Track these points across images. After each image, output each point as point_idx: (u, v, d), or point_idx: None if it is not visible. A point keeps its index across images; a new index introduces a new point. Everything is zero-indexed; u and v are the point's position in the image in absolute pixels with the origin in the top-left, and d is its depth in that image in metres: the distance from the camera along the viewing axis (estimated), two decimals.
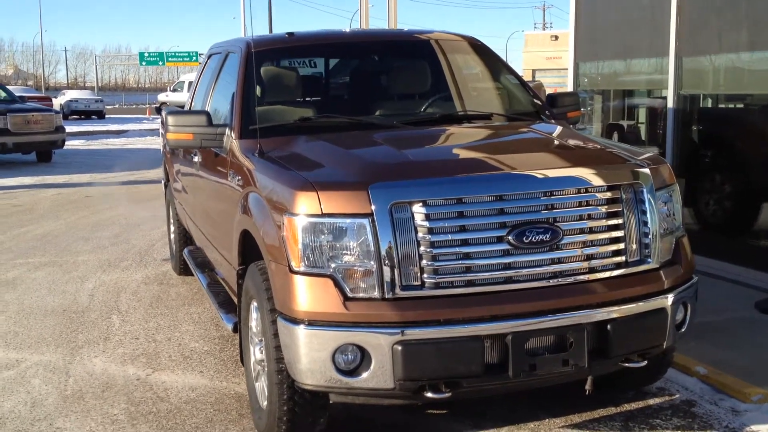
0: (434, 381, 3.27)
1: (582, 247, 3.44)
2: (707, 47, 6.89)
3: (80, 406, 4.47)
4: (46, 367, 5.09)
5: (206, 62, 6.40)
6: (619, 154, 3.83)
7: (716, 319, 5.30)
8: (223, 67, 5.54)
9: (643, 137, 8.25)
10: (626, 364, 3.53)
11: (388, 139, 4.14)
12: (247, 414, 4.23)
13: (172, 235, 7.53)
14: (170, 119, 4.57)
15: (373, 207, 3.28)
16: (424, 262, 3.27)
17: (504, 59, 5.52)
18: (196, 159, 5.56)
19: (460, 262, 3.30)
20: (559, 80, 33.05)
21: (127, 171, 16.79)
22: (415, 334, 3.22)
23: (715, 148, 7.29)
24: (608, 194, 3.51)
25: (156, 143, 23.41)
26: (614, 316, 3.40)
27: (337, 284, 3.31)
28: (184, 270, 7.13)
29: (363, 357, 3.26)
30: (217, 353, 5.27)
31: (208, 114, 4.65)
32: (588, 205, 3.48)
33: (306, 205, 3.35)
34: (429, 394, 3.29)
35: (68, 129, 21.66)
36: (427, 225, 3.28)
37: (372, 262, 3.28)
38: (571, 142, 4.15)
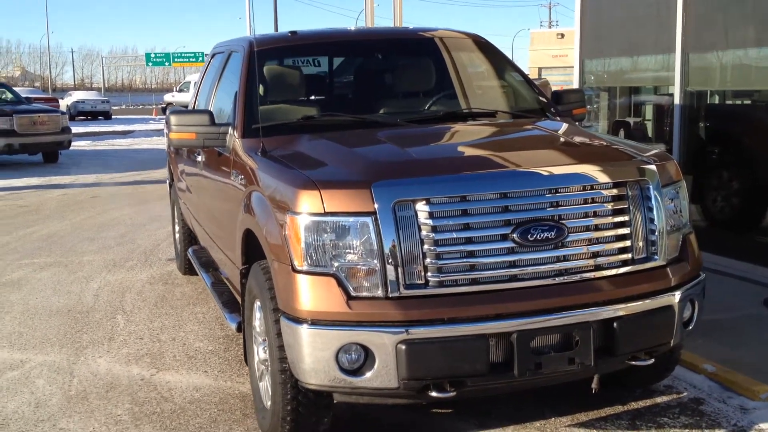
0: (439, 380, 3.25)
1: (588, 245, 3.40)
2: (714, 43, 6.84)
3: (84, 406, 4.45)
4: (51, 367, 5.08)
5: (210, 62, 6.39)
6: (625, 151, 3.79)
7: (724, 317, 5.26)
8: (226, 66, 5.52)
9: (650, 134, 8.20)
10: (633, 362, 3.50)
11: (391, 138, 4.12)
12: (252, 414, 4.21)
13: (177, 235, 7.51)
14: (173, 119, 4.56)
15: (376, 205, 3.25)
16: (427, 260, 3.24)
17: (509, 57, 5.49)
18: (199, 159, 5.54)
19: (465, 260, 3.27)
20: (566, 78, 32.94)
21: (134, 171, 16.81)
22: (419, 333, 3.19)
23: (723, 145, 7.24)
24: (614, 191, 3.48)
25: (162, 143, 23.43)
26: (621, 313, 3.36)
27: (340, 283, 3.28)
28: (188, 270, 7.12)
29: (367, 356, 3.24)
30: (222, 353, 5.25)
31: (210, 113, 4.64)
32: (594, 202, 3.44)
33: (308, 203, 3.33)
34: (433, 394, 3.26)
35: (74, 130, 21.69)
36: (431, 223, 3.25)
37: (375, 261, 3.25)
38: (577, 139, 4.11)
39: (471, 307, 3.25)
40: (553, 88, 6.26)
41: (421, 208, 3.25)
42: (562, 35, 49.50)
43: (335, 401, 3.72)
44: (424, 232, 3.25)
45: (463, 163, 3.70)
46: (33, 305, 6.54)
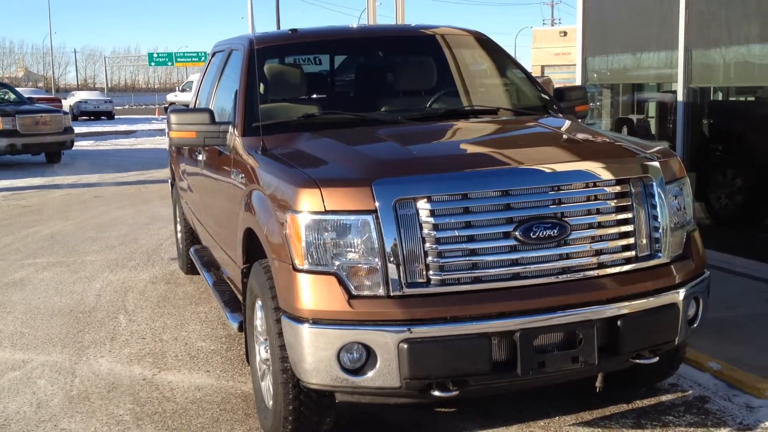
0: (441, 379, 3.22)
1: (591, 243, 3.37)
2: (717, 40, 6.80)
3: (85, 406, 4.44)
4: (52, 367, 5.06)
5: (210, 60, 6.37)
6: (628, 148, 3.76)
7: (729, 314, 5.23)
8: (227, 64, 5.50)
9: (653, 131, 8.17)
10: (637, 361, 3.47)
11: (392, 135, 4.09)
12: (254, 413, 4.19)
13: (179, 234, 7.50)
14: (173, 117, 4.54)
15: (377, 203, 3.23)
16: (429, 258, 3.22)
17: (511, 54, 5.45)
18: (200, 158, 5.52)
19: (467, 258, 3.25)
20: (568, 76, 32.93)
21: (136, 171, 16.80)
22: (421, 331, 3.17)
23: (727, 142, 7.21)
24: (617, 188, 3.45)
25: (164, 143, 23.42)
26: (624, 311, 3.34)
27: (341, 282, 3.26)
28: (191, 269, 7.10)
29: (369, 355, 3.22)
30: (224, 352, 5.23)
31: (210, 112, 4.62)
32: (597, 199, 3.41)
33: (309, 202, 3.30)
34: (436, 393, 3.24)
35: (77, 130, 21.70)
36: (432, 221, 3.23)
37: (376, 260, 3.23)
38: (579, 135, 4.08)
39: (473, 305, 3.22)
40: (556, 86, 6.23)
41: (423, 206, 3.23)
42: (565, 33, 49.47)
43: (337, 401, 3.70)
44: (425, 231, 3.22)
45: (465, 161, 3.68)
46: (35, 305, 6.52)
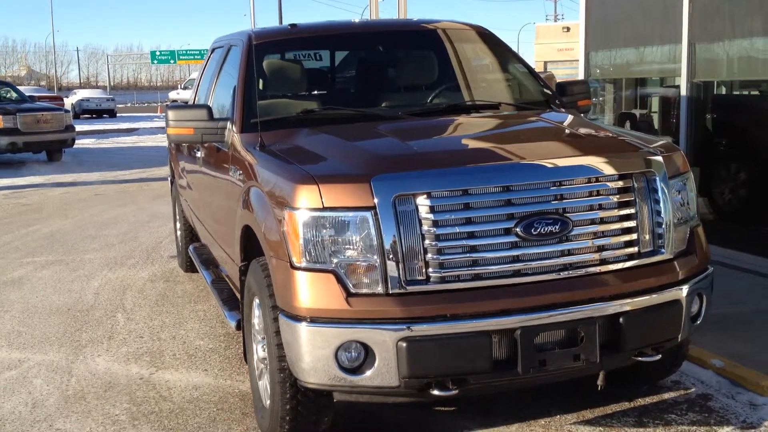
0: (440, 378, 3.17)
1: (593, 238, 3.32)
2: (721, 33, 6.74)
3: (81, 406, 4.39)
4: (49, 366, 5.01)
5: (210, 56, 6.32)
6: (631, 142, 3.70)
7: (733, 311, 5.17)
8: (226, 60, 5.45)
9: (656, 126, 8.11)
10: (639, 358, 3.41)
11: (392, 131, 4.03)
12: (251, 413, 4.13)
13: (178, 232, 7.46)
14: (171, 114, 4.49)
15: (375, 200, 3.17)
16: (429, 255, 3.16)
17: (513, 49, 5.39)
18: (199, 154, 5.47)
19: (467, 255, 3.20)
20: (571, 72, 32.86)
21: (137, 169, 16.76)
22: (420, 330, 3.11)
23: (730, 136, 7.15)
24: (620, 183, 3.39)
25: (166, 141, 23.36)
26: (627, 308, 3.28)
27: (339, 280, 3.21)
28: (190, 267, 7.05)
29: (367, 354, 3.17)
30: (222, 351, 5.18)
31: (209, 108, 4.56)
32: (599, 194, 3.36)
33: (307, 198, 3.25)
34: (435, 392, 3.18)
35: (79, 128, 21.68)
36: (432, 217, 3.17)
37: (375, 257, 3.17)
38: (582, 130, 4.02)
39: (473, 303, 3.17)
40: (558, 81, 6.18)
41: (422, 203, 3.18)
42: (568, 29, 49.38)
43: (335, 400, 3.64)
44: (425, 227, 3.17)
45: (466, 156, 3.62)
46: (33, 304, 6.48)
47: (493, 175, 3.28)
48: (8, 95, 19.64)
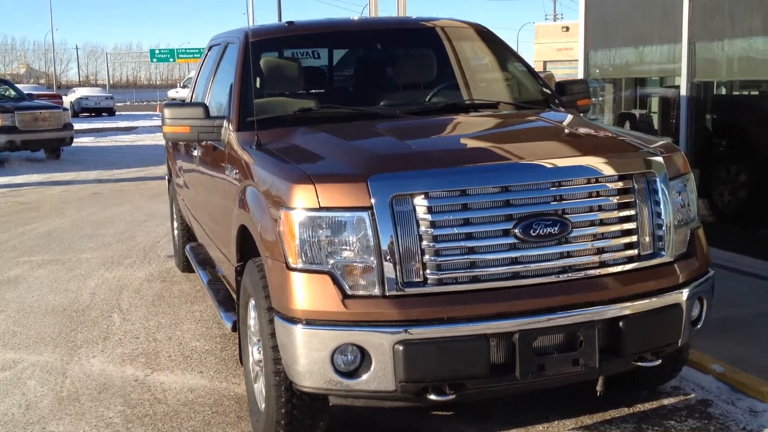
0: (437, 382, 3.12)
1: (592, 240, 3.27)
2: (721, 33, 6.69)
3: (75, 408, 4.34)
4: (43, 367, 4.97)
5: (207, 54, 6.27)
6: (631, 143, 3.65)
7: (733, 314, 5.11)
8: (223, 58, 5.40)
9: (656, 126, 8.06)
10: (639, 363, 3.36)
11: (390, 130, 3.99)
12: (246, 417, 4.09)
13: (176, 232, 7.40)
14: (167, 112, 4.44)
15: (372, 200, 3.12)
16: (426, 257, 3.12)
17: (512, 47, 5.34)
18: (195, 153, 5.43)
19: (465, 257, 3.15)
20: (571, 71, 32.82)
21: (136, 168, 16.71)
22: (417, 332, 3.06)
23: (731, 137, 7.10)
24: (620, 184, 3.34)
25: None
26: (626, 312, 3.23)
27: (335, 281, 3.16)
28: (187, 267, 7.01)
29: (363, 357, 3.11)
30: (218, 352, 5.13)
31: (205, 106, 4.51)
32: (599, 195, 3.31)
33: (303, 198, 3.20)
34: (432, 397, 3.14)
35: (77, 126, 21.63)
36: (430, 218, 3.12)
37: (372, 258, 3.12)
38: (581, 130, 3.98)
39: (471, 305, 3.12)
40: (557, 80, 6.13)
41: (420, 203, 3.13)
42: (567, 28, 49.37)
43: (331, 404, 3.59)
44: (422, 228, 3.12)
45: (464, 156, 3.57)
46: (29, 303, 6.43)
47: (491, 175, 3.23)
48: (7, 93, 19.59)
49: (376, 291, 3.12)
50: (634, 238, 3.33)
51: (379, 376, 3.10)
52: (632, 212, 3.34)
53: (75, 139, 19.69)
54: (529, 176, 3.25)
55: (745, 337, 4.76)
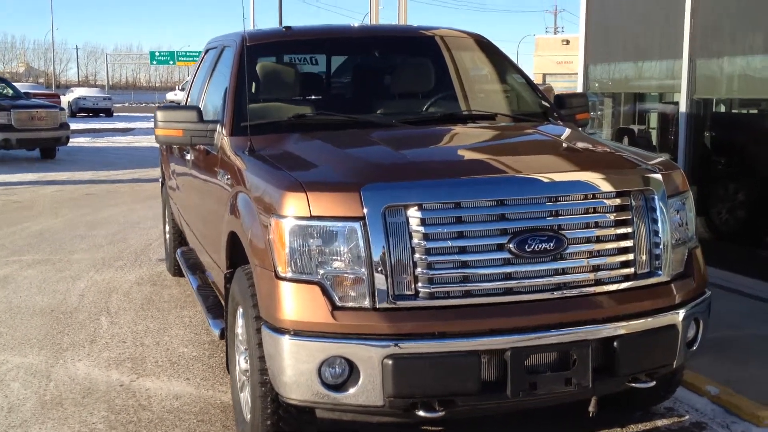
0: (427, 398, 3.05)
1: (588, 258, 3.20)
2: (722, 50, 6.65)
3: (58, 413, 4.26)
4: (28, 370, 4.89)
5: (203, 57, 6.21)
6: (629, 159, 3.60)
7: (729, 335, 5.04)
8: (219, 61, 5.34)
9: (655, 142, 8.01)
10: (633, 384, 3.28)
11: (385, 139, 3.93)
12: (232, 426, 4.01)
13: (167, 235, 7.33)
14: (159, 114, 4.38)
15: (365, 210, 3.06)
16: (418, 270, 3.05)
17: (511, 59, 5.29)
18: (188, 157, 5.36)
19: (458, 271, 3.08)
20: (570, 85, 32.85)
21: (131, 169, 16.63)
22: (407, 347, 2.99)
23: (730, 155, 7.05)
24: (617, 201, 3.28)
25: None
26: (621, 332, 3.16)
27: (325, 292, 3.09)
28: (178, 271, 6.92)
29: (351, 371, 3.05)
30: (206, 359, 5.05)
31: (198, 109, 4.46)
32: (595, 212, 3.24)
33: (294, 206, 3.14)
34: (421, 413, 3.06)
35: (74, 126, 21.55)
36: (423, 230, 3.06)
37: (363, 270, 3.06)
38: (579, 144, 3.92)
39: (463, 321, 3.05)
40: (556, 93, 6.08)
41: (413, 215, 3.06)
42: (568, 42, 49.48)
43: (318, 417, 3.52)
44: (415, 240, 3.05)
45: (459, 168, 3.51)
46: (16, 304, 6.35)
47: (487, 188, 3.17)
48: (4, 91, 19.51)
49: (366, 303, 3.06)
50: (630, 257, 3.27)
51: (367, 391, 3.03)
52: (629, 230, 3.27)
53: (71, 139, 19.60)
54: (525, 190, 3.18)
55: (741, 359, 4.69)
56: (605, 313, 3.18)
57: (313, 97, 5.05)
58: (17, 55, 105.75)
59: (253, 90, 4.64)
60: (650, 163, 3.54)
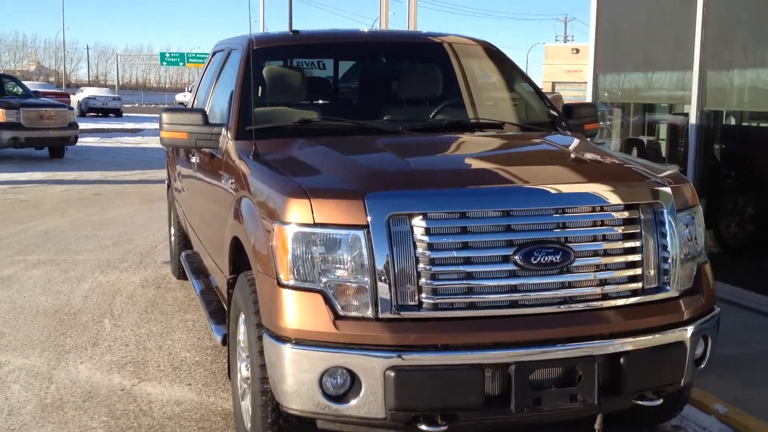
0: (429, 412, 2.99)
1: (595, 271, 3.14)
2: (733, 61, 6.59)
3: (58, 416, 4.23)
4: (29, 372, 4.86)
5: (210, 59, 6.19)
6: (638, 171, 3.54)
7: (739, 352, 4.96)
8: (226, 64, 5.31)
9: (664, 154, 7.95)
10: (640, 402, 3.22)
11: (390, 146, 3.89)
12: None
13: (173, 238, 7.31)
14: (165, 117, 4.35)
15: (369, 218, 3.02)
16: (422, 280, 3.00)
17: (521, 68, 5.24)
18: (194, 160, 5.33)
19: (462, 282, 3.03)
20: (579, 93, 32.77)
21: (139, 170, 16.64)
22: (410, 359, 2.95)
23: (740, 168, 6.98)
24: (626, 214, 3.22)
25: None
26: (628, 348, 3.10)
27: (327, 301, 3.05)
28: (182, 274, 6.88)
29: (353, 382, 3.00)
30: (208, 365, 5.02)
31: (203, 112, 4.42)
32: (603, 225, 3.19)
33: (297, 213, 3.10)
34: (423, 427, 3.00)
35: (83, 126, 21.59)
36: (427, 240, 3.01)
37: (366, 279, 3.01)
38: (588, 155, 3.87)
39: (467, 333, 3.00)
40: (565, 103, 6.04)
41: (418, 224, 3.02)
42: (577, 50, 49.41)
43: (319, 428, 3.46)
44: (419, 250, 3.01)
45: (465, 177, 3.46)
46: (20, 304, 6.33)
47: (493, 199, 3.12)
48: (14, 89, 19.57)
49: (369, 313, 3.01)
50: (638, 271, 3.21)
51: (369, 402, 2.98)
52: (637, 244, 3.22)
53: (80, 139, 19.65)
54: (532, 201, 3.14)
55: (750, 378, 4.61)
56: (612, 329, 3.12)
57: (319, 101, 5.02)
58: (28, 54, 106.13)
59: (259, 94, 4.61)
60: (659, 175, 3.48)
